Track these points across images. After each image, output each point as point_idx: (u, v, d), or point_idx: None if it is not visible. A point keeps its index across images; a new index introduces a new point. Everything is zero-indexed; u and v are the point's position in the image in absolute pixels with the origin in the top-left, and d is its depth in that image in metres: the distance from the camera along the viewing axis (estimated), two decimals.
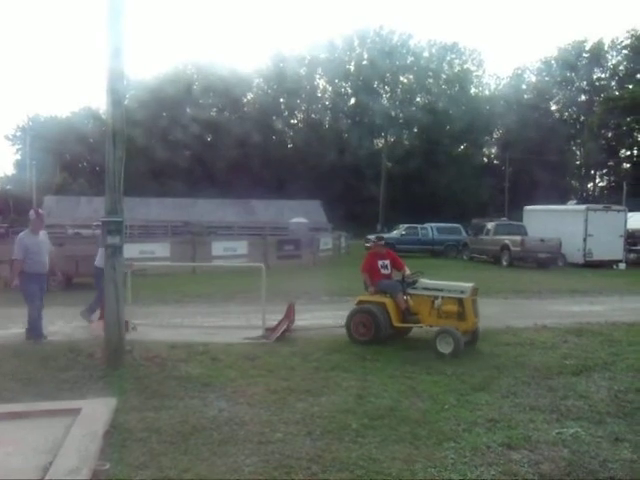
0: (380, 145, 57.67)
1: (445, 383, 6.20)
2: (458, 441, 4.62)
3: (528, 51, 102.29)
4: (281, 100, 60.15)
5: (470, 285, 8.08)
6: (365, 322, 8.08)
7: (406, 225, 30.32)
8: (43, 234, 8.47)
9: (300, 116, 63.46)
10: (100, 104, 54.54)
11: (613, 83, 59.16)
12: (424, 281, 8.35)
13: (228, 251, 20.60)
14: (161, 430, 4.75)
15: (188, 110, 55.72)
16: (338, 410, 5.29)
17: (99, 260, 9.12)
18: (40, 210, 8.73)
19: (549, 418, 5.20)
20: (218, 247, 20.79)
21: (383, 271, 8.70)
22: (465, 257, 27.06)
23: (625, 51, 57.81)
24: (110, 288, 6.90)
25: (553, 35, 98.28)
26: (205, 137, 56.80)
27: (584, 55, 58.07)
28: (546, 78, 59.78)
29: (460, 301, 7.88)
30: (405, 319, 8.21)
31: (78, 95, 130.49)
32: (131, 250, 18.22)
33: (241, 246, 21.47)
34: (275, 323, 8.79)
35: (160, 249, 19.08)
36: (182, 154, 54.52)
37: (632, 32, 55.87)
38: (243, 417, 5.10)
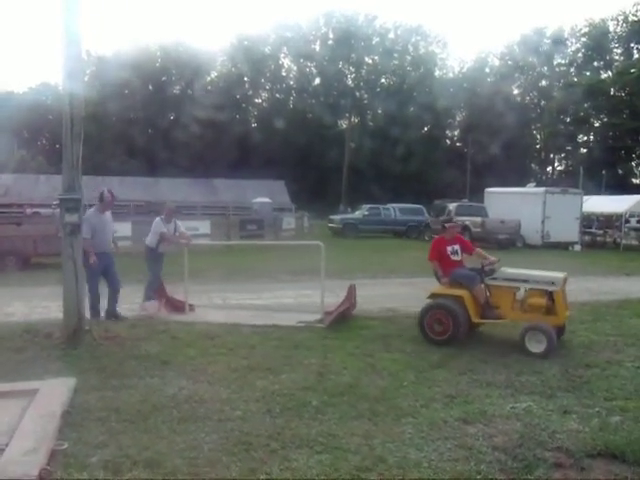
0: (344, 126, 57.60)
1: (404, 361, 6.32)
2: (416, 417, 4.72)
3: (492, 36, 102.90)
4: (245, 79, 59.48)
5: (561, 275, 7.19)
6: (442, 319, 7.07)
7: (369, 206, 30.47)
8: (108, 214, 8.57)
9: (264, 95, 62.90)
10: (59, 80, 52.85)
11: (572, 69, 60.32)
12: (505, 270, 7.38)
13: (190, 230, 20.14)
14: (120, 409, 4.74)
15: (150, 87, 54.60)
16: (298, 388, 5.34)
17: (150, 239, 9.18)
18: (112, 191, 8.61)
19: (504, 393, 5.35)
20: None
21: (453, 257, 7.67)
22: (427, 238, 27.33)
23: (584, 39, 59.00)
24: (68, 266, 6.79)
25: (516, 20, 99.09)
26: (167, 115, 55.85)
27: (545, 41, 58.98)
28: (509, 62, 60.59)
29: (549, 293, 7.00)
30: (485, 314, 7.25)
31: (36, 70, 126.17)
32: None
33: (204, 226, 21.29)
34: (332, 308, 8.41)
35: (122, 228, 18.79)
36: (144, 132, 53.52)
37: (590, 21, 57.19)
38: (203, 395, 5.12)
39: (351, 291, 8.56)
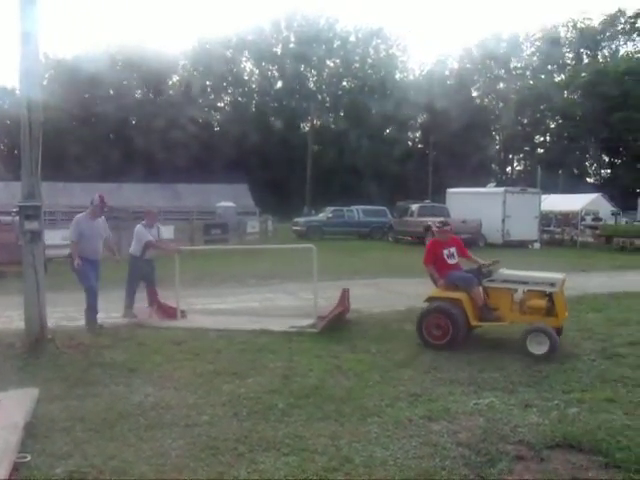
0: (307, 128, 57.72)
1: (370, 361, 6.39)
2: (381, 416, 4.79)
3: (451, 39, 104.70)
4: (207, 82, 58.96)
5: (561, 277, 7.14)
6: (441, 323, 6.94)
7: (332, 208, 30.58)
8: (101, 221, 8.31)
9: (227, 99, 62.54)
10: (17, 84, 51.53)
11: (528, 73, 61.77)
12: (504, 272, 7.29)
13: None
14: (85, 418, 4.68)
15: (111, 92, 53.70)
16: (264, 391, 5.36)
17: (134, 247, 8.99)
18: (103, 196, 8.34)
19: (467, 390, 5.46)
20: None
21: (450, 261, 7.51)
22: (390, 239, 27.68)
23: (538, 43, 60.74)
24: (29, 275, 6.69)
25: (474, 25, 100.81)
26: (129, 120, 54.99)
27: (502, 45, 60.32)
28: (467, 65, 61.63)
29: (549, 295, 6.94)
30: (483, 316, 7.11)
31: None
32: (53, 236, 17.57)
33: (167, 231, 20.94)
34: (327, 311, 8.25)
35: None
36: (105, 137, 52.62)
37: (542, 27, 59.25)
38: (169, 401, 5.09)
39: (344, 295, 8.37)
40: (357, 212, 30.21)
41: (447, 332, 6.90)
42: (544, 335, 6.54)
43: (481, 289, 7.17)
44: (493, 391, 5.43)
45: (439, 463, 3.95)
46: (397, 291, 11.74)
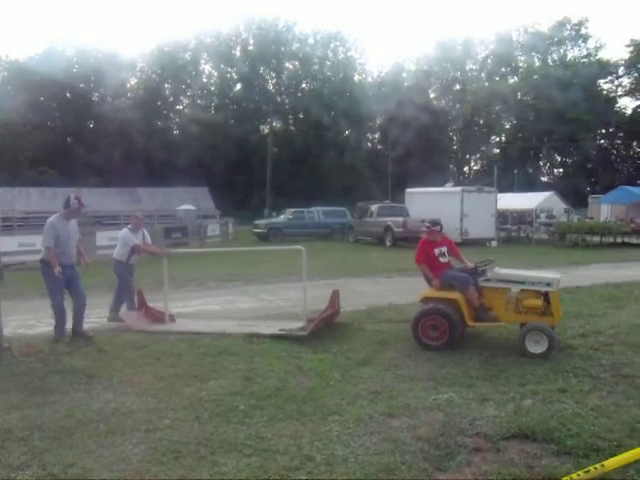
0: (266, 131, 57.59)
1: (330, 360, 6.44)
2: (342, 414, 4.84)
3: (408, 42, 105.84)
4: (166, 85, 58.23)
5: (557, 276, 7.18)
6: (437, 324, 6.85)
7: (293, 210, 30.59)
8: (74, 222, 7.88)
9: (185, 102, 61.84)
10: None
11: (483, 75, 63.12)
12: (499, 271, 7.25)
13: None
14: (44, 427, 4.61)
15: (68, 95, 52.49)
16: (226, 393, 5.36)
17: (119, 252, 8.81)
18: (80, 197, 7.84)
19: (427, 386, 5.56)
20: (103, 237, 20.06)
21: (442, 260, 7.45)
22: (351, 239, 27.82)
23: (491, 46, 62.29)
24: None
25: (430, 27, 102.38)
26: (87, 123, 53.88)
27: (457, 48, 61.49)
28: (424, 68, 62.48)
29: (545, 294, 6.92)
30: (479, 317, 7.03)
31: None
32: (10, 243, 17.14)
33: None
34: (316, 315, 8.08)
35: (41, 241, 18.17)
36: (63, 141, 51.42)
37: (496, 31, 60.93)
38: (130, 407, 5.05)
39: (334, 297, 8.19)
40: (317, 213, 30.28)
41: (444, 333, 6.83)
42: (543, 334, 6.53)
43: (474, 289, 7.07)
44: (452, 386, 5.54)
45: (399, 458, 4.02)
46: (358, 291, 11.82)
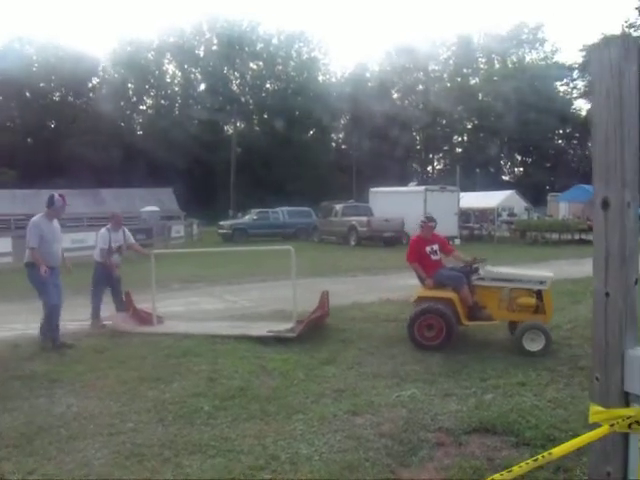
0: (231, 131, 57.25)
1: (294, 360, 6.44)
2: (306, 413, 4.85)
3: (371, 43, 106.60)
4: (129, 85, 57.27)
5: (550, 274, 7.19)
6: (434, 324, 6.80)
7: (257, 210, 30.53)
8: (56, 222, 7.53)
9: (149, 102, 61.01)
10: None
11: (445, 75, 64.01)
12: (491, 270, 7.23)
13: (76, 243, 19.51)
14: (2, 434, 4.50)
15: (28, 94, 51.20)
16: (189, 395, 5.32)
17: (96, 253, 8.60)
18: (65, 196, 7.56)
19: (390, 383, 5.62)
20: (66, 240, 19.54)
21: (433, 257, 7.37)
22: (316, 239, 27.88)
23: (454, 48, 63.23)
24: None
25: (394, 29, 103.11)
26: (48, 123, 52.65)
27: (420, 49, 62.31)
28: (387, 68, 63.04)
29: (538, 293, 6.95)
30: (474, 315, 7.01)
31: None
32: None
33: (90, 237, 20.44)
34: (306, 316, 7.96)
35: (0, 244, 17.93)
36: (23, 141, 50.11)
37: (458, 32, 61.98)
38: (93, 411, 4.98)
39: (323, 298, 8.03)
40: (282, 214, 30.28)
41: (440, 333, 6.77)
42: (540, 332, 6.56)
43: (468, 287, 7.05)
44: (415, 382, 5.61)
45: (363, 455, 4.05)
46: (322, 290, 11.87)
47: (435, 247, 7.46)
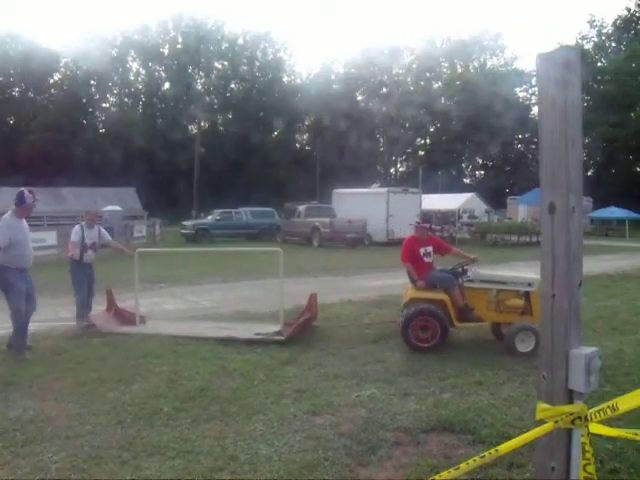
0: (195, 131, 56.70)
1: (255, 360, 6.46)
2: (266, 413, 4.87)
3: (337, 45, 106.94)
4: (92, 82, 56.02)
5: (536, 277, 6.75)
6: (428, 325, 6.80)
7: (220, 210, 30.33)
8: (24, 221, 7.06)
9: (112, 99, 59.87)
10: None
11: (409, 79, 64.71)
12: (478, 272, 7.22)
13: (36, 242, 19.00)
14: None
15: None
16: (150, 396, 5.29)
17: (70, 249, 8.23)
18: (34, 192, 7.12)
19: (350, 383, 5.68)
20: None
21: (426, 259, 7.36)
22: (279, 239, 27.83)
23: (417, 52, 64.17)
24: None
25: (358, 32, 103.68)
26: (7, 119, 51.16)
27: (384, 52, 62.82)
28: (352, 70, 63.38)
29: (526, 294, 7.03)
30: (464, 317, 7.02)
31: None
32: None
33: (50, 237, 20.12)
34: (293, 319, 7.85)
35: None
36: None
37: (422, 37, 63.02)
38: (50, 414, 4.89)
39: (312, 301, 7.96)
40: (245, 214, 30.16)
41: (435, 334, 6.79)
42: (530, 333, 6.62)
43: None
44: (375, 383, 5.68)
45: (322, 455, 4.09)
46: (284, 291, 11.87)
47: (429, 249, 7.46)
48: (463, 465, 1.87)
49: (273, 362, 6.38)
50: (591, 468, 2.13)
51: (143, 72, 60.00)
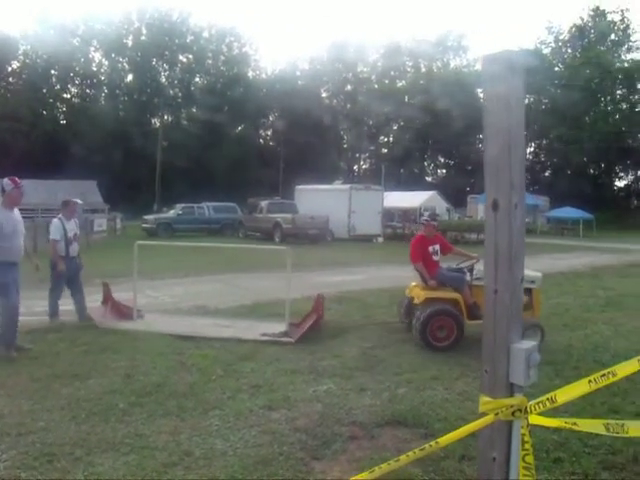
0: (157, 124, 55.89)
1: (213, 355, 6.44)
2: (223, 408, 4.87)
3: (302, 41, 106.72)
4: (52, 71, 54.52)
5: (539, 274, 7.30)
6: (445, 325, 6.83)
7: (182, 205, 30.08)
8: (17, 212, 6.66)
9: (74, 90, 58.42)
10: None
11: (373, 77, 65.14)
12: (482, 269, 7.29)
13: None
14: None
15: None
16: (105, 391, 5.23)
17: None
18: (18, 180, 6.64)
19: (307, 378, 5.72)
20: None
21: (434, 258, 7.35)
22: (241, 235, 27.76)
23: (382, 50, 64.70)
24: None
25: (324, 29, 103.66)
26: None
27: (350, 50, 63.04)
28: (317, 67, 63.45)
29: (529, 291, 6.96)
30: (474, 315, 6.97)
31: None
32: None
33: None
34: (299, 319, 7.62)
35: None
36: None
37: (387, 36, 63.64)
38: (1, 410, 4.79)
39: (319, 302, 7.73)
40: (207, 209, 30.00)
41: (452, 333, 6.83)
42: (538, 329, 6.73)
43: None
44: (331, 378, 5.74)
45: (277, 449, 4.12)
46: (244, 286, 11.87)
47: (437, 247, 7.46)
48: (403, 457, 1.93)
49: (231, 357, 6.37)
50: (530, 458, 2.22)
51: (106, 63, 58.85)
